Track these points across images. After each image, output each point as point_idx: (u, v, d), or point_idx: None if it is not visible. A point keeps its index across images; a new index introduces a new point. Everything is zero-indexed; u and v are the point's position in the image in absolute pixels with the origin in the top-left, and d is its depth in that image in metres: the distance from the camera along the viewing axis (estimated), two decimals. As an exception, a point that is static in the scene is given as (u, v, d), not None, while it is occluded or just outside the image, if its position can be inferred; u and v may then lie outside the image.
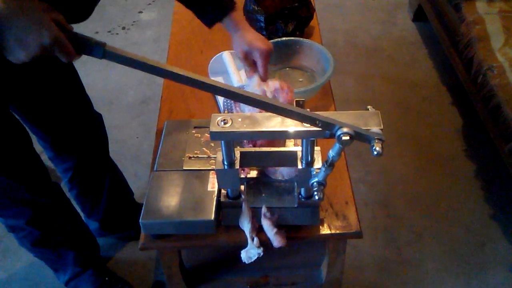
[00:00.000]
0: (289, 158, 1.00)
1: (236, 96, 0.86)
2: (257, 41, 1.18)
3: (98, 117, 1.48)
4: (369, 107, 0.90)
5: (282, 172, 1.07)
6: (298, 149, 0.98)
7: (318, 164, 0.97)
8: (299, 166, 0.97)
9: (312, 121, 0.84)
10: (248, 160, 1.00)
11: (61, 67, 1.25)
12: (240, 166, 0.98)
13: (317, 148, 0.98)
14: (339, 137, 0.82)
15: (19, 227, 1.30)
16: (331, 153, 0.87)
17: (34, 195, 1.25)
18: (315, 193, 0.94)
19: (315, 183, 0.94)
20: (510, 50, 1.86)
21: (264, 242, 1.03)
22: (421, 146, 2.10)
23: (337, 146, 0.85)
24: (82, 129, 1.40)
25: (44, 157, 1.38)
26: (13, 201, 1.23)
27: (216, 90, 0.86)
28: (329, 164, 0.89)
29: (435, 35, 2.43)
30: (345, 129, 0.81)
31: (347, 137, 0.81)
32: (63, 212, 1.39)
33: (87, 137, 1.43)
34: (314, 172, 0.95)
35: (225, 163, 0.97)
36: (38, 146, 1.34)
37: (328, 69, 1.34)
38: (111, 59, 0.84)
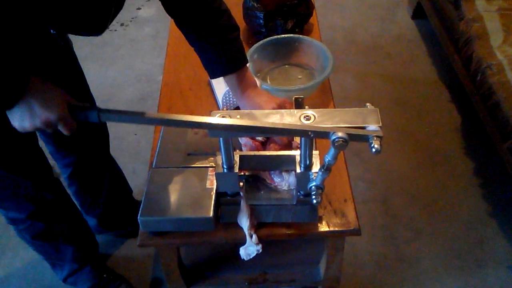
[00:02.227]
0: (287, 162, 1.01)
1: (233, 129, 0.88)
2: (267, 104, 1.12)
3: None
4: (368, 104, 0.89)
5: (289, 181, 1.06)
6: (297, 153, 0.98)
7: (316, 168, 0.97)
8: (298, 170, 0.97)
9: (304, 133, 0.86)
10: (247, 163, 1.01)
11: (64, 62, 1.25)
12: (239, 170, 0.99)
13: (315, 152, 0.99)
14: (334, 142, 0.82)
15: (20, 220, 1.30)
16: (327, 157, 0.87)
17: (37, 191, 1.25)
18: (313, 197, 0.95)
19: (313, 187, 0.95)
20: (509, 48, 1.86)
21: (263, 239, 1.04)
22: (420, 144, 2.10)
23: (333, 150, 0.85)
24: (83, 126, 1.40)
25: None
26: (16, 196, 1.23)
27: (209, 126, 0.89)
28: (325, 168, 0.90)
29: (434, 33, 2.43)
30: (340, 134, 0.81)
31: (343, 142, 0.81)
32: (64, 208, 1.39)
33: (89, 133, 1.43)
34: (313, 176, 0.96)
35: (225, 166, 0.97)
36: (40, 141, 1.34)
37: (327, 66, 1.34)
38: (107, 119, 0.90)
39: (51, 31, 1.05)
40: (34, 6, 0.80)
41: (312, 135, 0.85)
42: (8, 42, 0.84)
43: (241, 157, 1.00)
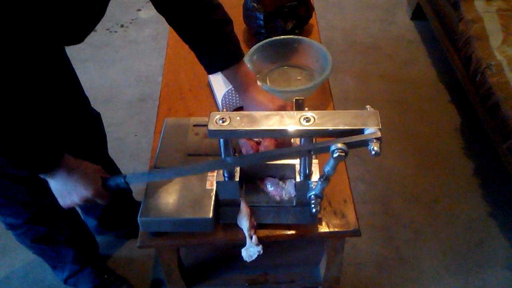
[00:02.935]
0: (287, 171, 1.02)
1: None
2: (269, 103, 1.11)
3: (97, 115, 1.48)
4: (367, 106, 0.90)
5: (289, 191, 1.06)
6: (297, 162, 0.99)
7: (315, 177, 0.98)
8: (297, 179, 0.98)
9: (306, 153, 0.87)
10: (247, 172, 1.02)
11: (56, 64, 1.24)
12: (239, 179, 0.99)
13: (315, 161, 0.99)
14: (333, 154, 0.82)
15: (18, 225, 1.30)
16: (326, 167, 0.87)
17: (34, 197, 1.24)
18: (312, 206, 0.95)
19: (312, 196, 0.95)
20: (509, 48, 1.86)
21: (263, 240, 1.04)
22: (420, 144, 2.10)
23: (332, 161, 0.85)
24: (79, 128, 1.39)
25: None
26: (13, 202, 1.22)
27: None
28: (324, 179, 0.91)
29: (434, 34, 2.43)
30: (339, 145, 0.81)
31: (342, 154, 0.81)
32: (62, 212, 1.38)
33: (85, 135, 1.43)
34: (312, 185, 0.96)
35: (225, 175, 0.98)
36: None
37: (326, 67, 1.34)
38: (133, 183, 0.99)
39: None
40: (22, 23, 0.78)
41: (313, 153, 0.86)
42: (43, 114, 0.95)
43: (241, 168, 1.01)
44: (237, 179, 0.99)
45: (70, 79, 1.32)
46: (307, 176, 0.97)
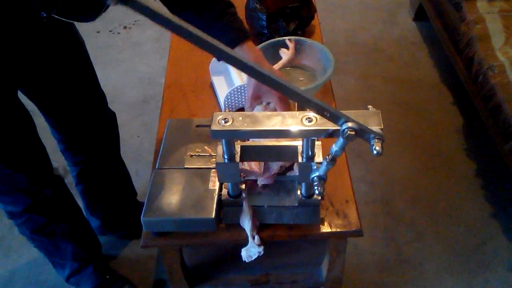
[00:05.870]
0: (289, 153, 1.00)
1: (243, 66, 0.80)
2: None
3: (112, 115, 1.49)
4: (369, 106, 0.90)
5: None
6: (299, 143, 0.98)
7: (318, 158, 0.96)
8: (300, 161, 0.97)
9: (321, 110, 0.83)
10: (248, 154, 1.00)
11: (75, 56, 1.25)
12: (240, 160, 0.98)
13: (317, 143, 0.98)
14: (344, 132, 0.82)
15: (17, 214, 1.30)
16: (334, 147, 0.86)
17: (33, 185, 1.24)
18: (316, 187, 0.93)
19: (315, 178, 0.93)
20: (511, 49, 1.86)
21: (265, 241, 1.04)
22: (422, 145, 2.10)
23: (341, 141, 0.84)
24: (94, 125, 1.41)
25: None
26: (12, 189, 1.23)
27: (227, 57, 0.79)
28: (330, 159, 0.89)
29: (436, 35, 2.44)
30: (350, 124, 0.81)
31: (352, 133, 0.81)
32: (63, 205, 1.39)
33: (99, 133, 1.44)
34: (315, 167, 0.95)
35: (225, 157, 0.97)
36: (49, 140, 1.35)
37: (328, 68, 1.35)
38: (126, 4, 0.80)
39: (42, 14, 1.03)
40: None
41: (328, 115, 0.82)
42: None
43: (242, 147, 0.99)
44: (237, 160, 0.97)
45: (89, 72, 1.35)
46: (310, 158, 0.96)
